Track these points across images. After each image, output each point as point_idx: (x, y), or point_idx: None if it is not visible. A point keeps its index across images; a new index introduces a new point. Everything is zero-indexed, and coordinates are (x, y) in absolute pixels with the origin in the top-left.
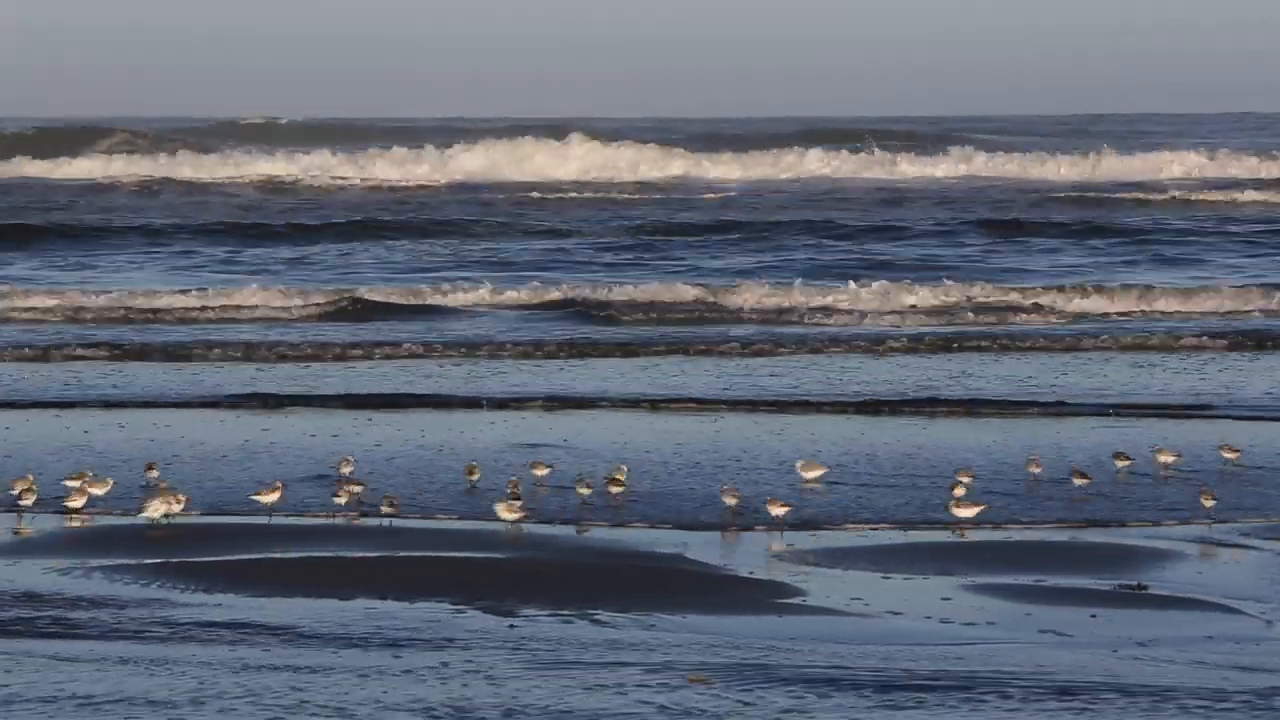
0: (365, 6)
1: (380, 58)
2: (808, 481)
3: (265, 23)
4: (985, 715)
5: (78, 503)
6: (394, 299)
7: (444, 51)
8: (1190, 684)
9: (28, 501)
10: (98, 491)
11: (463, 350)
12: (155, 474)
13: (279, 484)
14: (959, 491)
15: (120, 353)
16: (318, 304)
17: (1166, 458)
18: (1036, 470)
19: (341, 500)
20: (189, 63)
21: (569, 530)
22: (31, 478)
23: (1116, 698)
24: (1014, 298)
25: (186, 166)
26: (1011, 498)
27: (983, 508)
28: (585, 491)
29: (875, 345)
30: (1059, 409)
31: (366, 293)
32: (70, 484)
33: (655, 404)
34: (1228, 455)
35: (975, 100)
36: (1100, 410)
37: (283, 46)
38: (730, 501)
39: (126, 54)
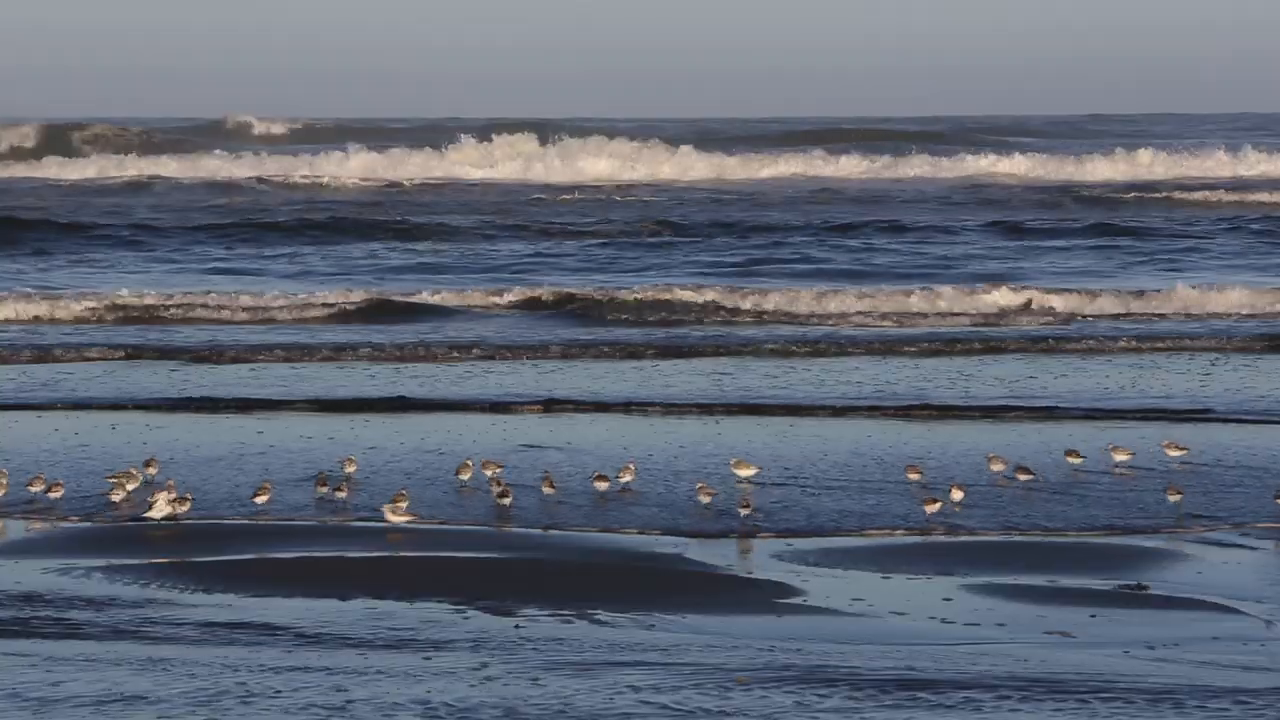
0: (364, 6)
1: (379, 58)
2: (740, 480)
3: (264, 23)
4: (986, 715)
5: (118, 497)
6: (391, 299)
7: (442, 51)
8: (1196, 684)
9: (56, 494)
10: (132, 487)
11: (461, 351)
12: (155, 470)
13: (267, 484)
14: (957, 495)
15: (110, 354)
16: (314, 305)
17: (1121, 455)
18: (999, 468)
19: (342, 495)
20: (186, 63)
21: (568, 531)
22: (44, 476)
23: (1117, 698)
24: (1018, 298)
25: (181, 165)
26: (1018, 502)
27: (941, 504)
28: (549, 491)
29: (880, 347)
30: (1052, 412)
31: (363, 294)
32: (112, 480)
33: (657, 407)
34: (1173, 453)
35: (975, 100)
36: (1093, 413)
37: (280, 47)
38: (705, 499)
39: (124, 54)
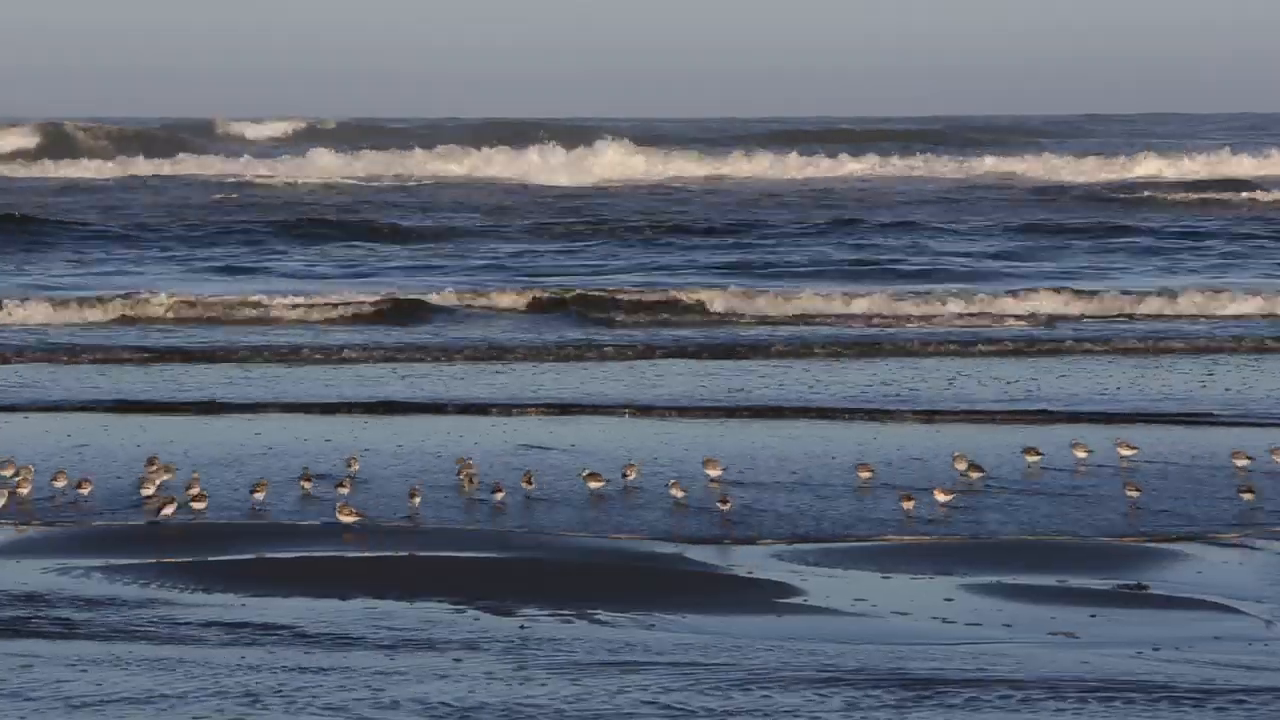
0: (364, 6)
1: (379, 58)
2: (712, 480)
3: (264, 23)
4: (987, 715)
5: (148, 491)
6: (389, 299)
7: (442, 51)
8: (1197, 684)
9: (85, 490)
10: (160, 482)
11: (459, 352)
12: (156, 468)
13: (264, 483)
14: (943, 497)
15: (103, 355)
16: (311, 305)
17: (1080, 453)
18: (962, 467)
19: (345, 491)
20: (185, 63)
21: (567, 531)
22: (64, 473)
23: (1117, 698)
24: (1019, 299)
25: (179, 165)
26: (1017, 503)
27: (915, 502)
28: (528, 487)
29: (880, 348)
30: (1047, 416)
31: (361, 294)
32: (152, 470)
33: (660, 409)
34: (1124, 452)
35: (975, 100)
36: (1094, 416)
37: (280, 47)
38: (678, 494)
39: (122, 54)
